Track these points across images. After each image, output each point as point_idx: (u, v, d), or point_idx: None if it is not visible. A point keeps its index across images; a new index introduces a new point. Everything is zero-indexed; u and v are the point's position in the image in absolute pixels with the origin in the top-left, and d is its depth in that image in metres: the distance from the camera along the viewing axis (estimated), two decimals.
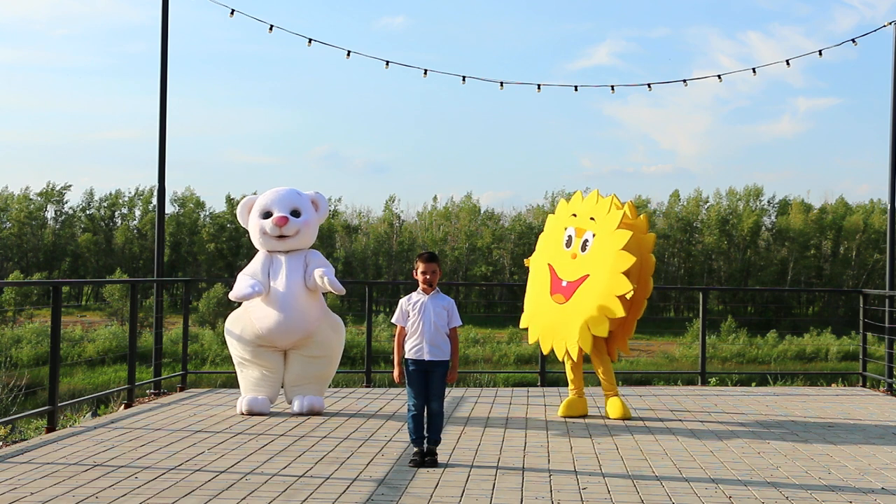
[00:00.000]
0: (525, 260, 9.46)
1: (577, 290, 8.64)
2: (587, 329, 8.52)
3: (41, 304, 44.74)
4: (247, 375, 8.81)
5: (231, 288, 8.84)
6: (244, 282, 8.58)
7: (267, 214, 8.80)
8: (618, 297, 8.35)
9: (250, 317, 8.66)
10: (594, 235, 8.67)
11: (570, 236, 8.84)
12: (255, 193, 8.92)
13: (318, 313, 8.69)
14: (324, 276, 8.51)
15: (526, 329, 9.16)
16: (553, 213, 9.40)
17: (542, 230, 9.38)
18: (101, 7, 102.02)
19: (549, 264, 8.92)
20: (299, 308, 8.55)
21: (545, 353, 9.18)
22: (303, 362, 8.71)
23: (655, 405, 9.64)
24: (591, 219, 8.76)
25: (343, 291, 8.61)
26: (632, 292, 8.38)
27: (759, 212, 72.44)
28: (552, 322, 8.78)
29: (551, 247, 9.00)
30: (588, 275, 8.61)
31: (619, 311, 8.39)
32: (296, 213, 8.81)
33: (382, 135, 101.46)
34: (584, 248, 8.71)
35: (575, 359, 8.82)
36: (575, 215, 8.92)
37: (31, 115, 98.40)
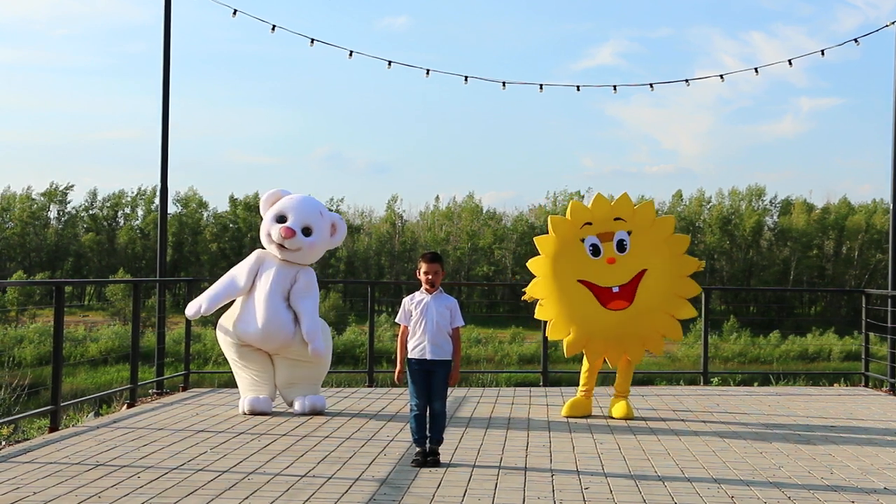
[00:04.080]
0: (524, 296, 8.92)
1: (637, 288, 8.61)
2: (671, 318, 8.71)
3: (44, 303, 44.73)
4: (242, 377, 8.83)
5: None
6: (192, 303, 8.75)
7: (281, 219, 8.74)
8: (689, 276, 8.79)
9: (234, 318, 8.67)
10: (630, 233, 8.66)
11: (593, 245, 8.62)
12: (249, 199, 8.89)
13: (297, 325, 8.58)
14: (310, 350, 8.51)
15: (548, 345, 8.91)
16: (545, 231, 8.84)
17: (536, 251, 8.83)
18: (102, 7, 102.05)
19: (580, 280, 8.59)
20: (276, 317, 8.49)
21: (613, 366, 8.88)
22: (289, 365, 8.71)
23: (658, 405, 9.64)
24: (617, 219, 8.68)
25: (319, 355, 8.56)
26: (703, 264, 8.87)
27: (761, 212, 72.40)
28: (618, 330, 8.61)
29: (570, 264, 8.60)
30: (644, 269, 8.63)
31: (696, 289, 8.85)
32: (307, 230, 8.68)
33: (384, 135, 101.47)
34: (621, 248, 8.64)
35: (660, 354, 9.01)
36: (590, 223, 8.67)
37: (31, 116, 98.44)
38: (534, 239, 9.01)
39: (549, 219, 8.89)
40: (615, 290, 8.61)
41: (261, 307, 8.51)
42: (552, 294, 8.71)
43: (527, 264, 8.96)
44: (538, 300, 8.86)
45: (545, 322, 9.20)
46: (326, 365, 8.95)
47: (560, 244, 8.69)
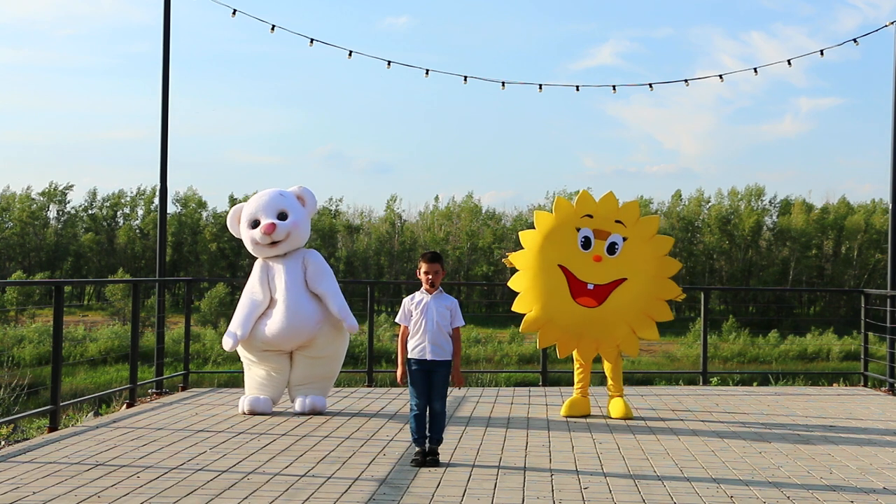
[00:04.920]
0: (505, 259, 9.02)
1: (611, 293, 8.59)
2: (632, 333, 8.68)
3: (43, 303, 44.72)
4: (254, 374, 8.84)
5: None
6: (226, 336, 8.64)
7: (255, 223, 8.79)
8: (666, 301, 8.71)
9: (256, 323, 8.67)
10: (624, 239, 8.65)
11: (586, 237, 8.64)
12: (245, 199, 8.93)
13: (321, 315, 8.66)
14: (347, 327, 8.65)
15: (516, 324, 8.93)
16: (550, 211, 8.97)
17: (532, 227, 8.94)
18: (106, 8, 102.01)
19: (560, 266, 8.64)
20: (302, 313, 8.55)
21: (562, 356, 8.92)
22: (307, 363, 8.73)
23: (657, 405, 9.64)
24: (618, 222, 8.68)
25: (356, 330, 8.73)
26: (683, 295, 8.74)
27: (760, 212, 72.40)
28: (578, 326, 8.62)
29: (557, 247, 8.67)
30: (625, 278, 8.61)
31: (668, 315, 8.74)
32: (283, 216, 8.75)
33: (385, 135, 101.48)
34: (611, 251, 8.64)
35: (612, 362, 8.85)
36: (591, 216, 8.70)
37: (33, 115, 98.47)
38: (534, 212, 9.10)
39: (555, 199, 8.93)
40: (590, 286, 8.61)
41: (282, 307, 8.56)
42: (530, 269, 8.76)
43: (519, 233, 9.04)
44: (517, 269, 8.87)
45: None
46: (341, 361, 9.00)
47: (555, 224, 8.75)
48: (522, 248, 8.89)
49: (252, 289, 8.78)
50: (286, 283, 8.63)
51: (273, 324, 8.57)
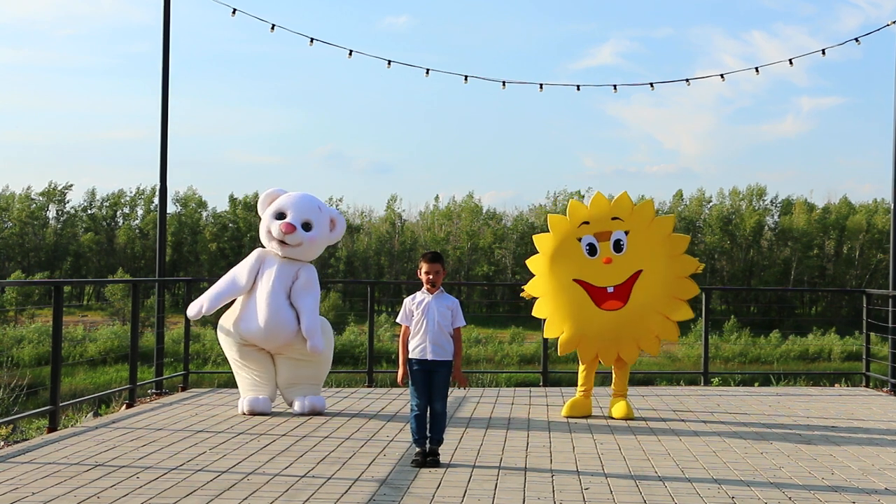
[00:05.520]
0: (523, 293, 9.01)
1: (633, 288, 8.57)
2: (666, 319, 8.66)
3: (43, 303, 44.72)
4: (242, 377, 8.81)
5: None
6: (195, 302, 8.75)
7: (280, 215, 8.75)
8: (689, 276, 8.73)
9: (236, 317, 8.66)
10: (626, 233, 8.63)
11: (590, 244, 8.61)
12: (248, 198, 8.92)
13: (299, 323, 8.59)
14: (309, 347, 8.48)
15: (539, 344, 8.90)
16: (544, 230, 8.90)
17: (535, 251, 8.89)
18: (106, 8, 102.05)
19: (575, 280, 8.60)
20: (279, 315, 8.49)
21: (607, 364, 8.88)
22: (290, 365, 8.70)
23: (658, 405, 9.62)
24: (615, 218, 8.65)
25: (317, 352, 8.54)
26: (702, 266, 8.80)
27: (761, 211, 72.41)
28: (611, 331, 8.59)
29: (566, 263, 8.62)
30: (640, 270, 8.59)
31: (694, 290, 8.77)
32: (307, 226, 8.70)
33: (385, 135, 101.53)
34: (618, 248, 8.62)
35: (655, 354, 8.86)
36: (587, 223, 8.66)
37: (33, 115, 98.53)
38: (533, 237, 9.07)
39: (548, 217, 8.91)
40: (610, 290, 8.59)
41: (263, 305, 8.51)
42: (548, 292, 8.75)
43: (526, 262, 9.02)
44: (536, 298, 8.87)
45: (544, 321, 9.18)
46: (327, 364, 8.94)
47: (557, 243, 8.72)
48: (533, 274, 8.88)
49: (238, 272, 8.76)
50: (273, 282, 8.58)
51: (251, 320, 8.52)
